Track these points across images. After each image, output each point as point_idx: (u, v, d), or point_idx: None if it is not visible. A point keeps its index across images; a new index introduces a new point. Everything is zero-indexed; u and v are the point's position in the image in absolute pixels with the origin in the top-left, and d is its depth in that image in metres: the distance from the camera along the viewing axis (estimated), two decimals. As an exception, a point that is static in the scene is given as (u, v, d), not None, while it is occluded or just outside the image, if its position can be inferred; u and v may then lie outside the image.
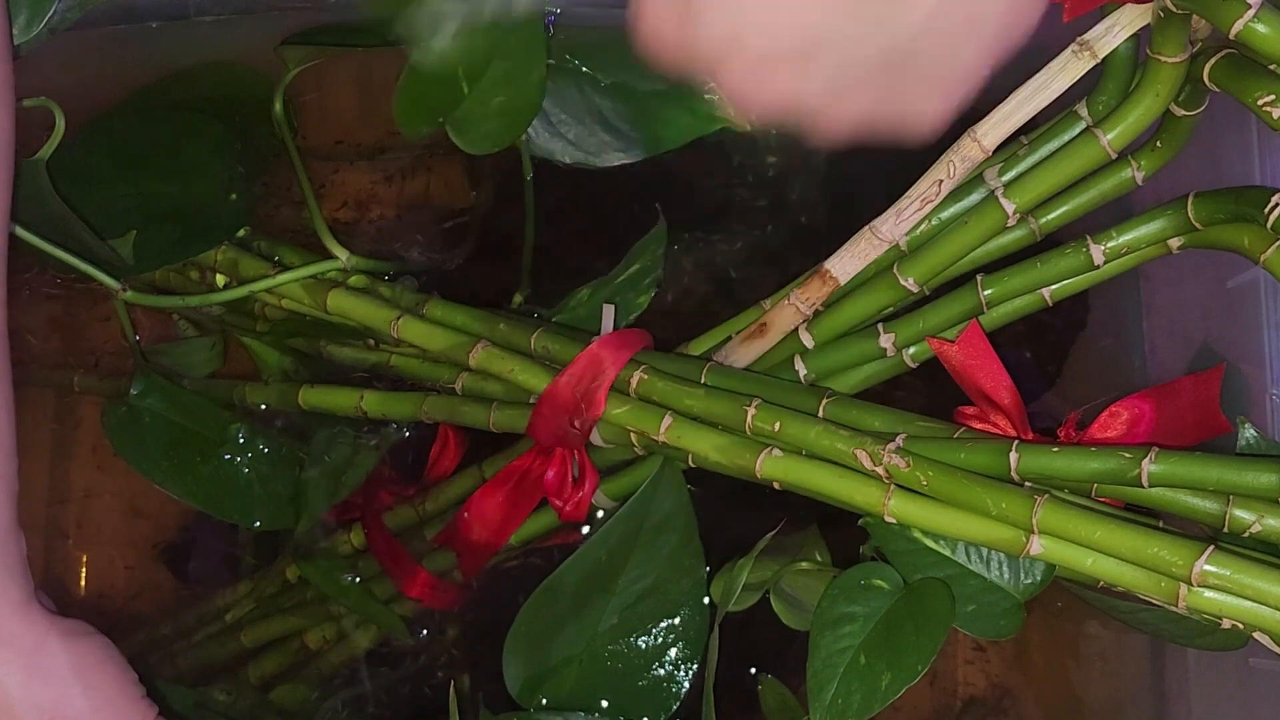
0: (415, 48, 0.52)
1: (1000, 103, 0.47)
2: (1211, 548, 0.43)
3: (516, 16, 0.54)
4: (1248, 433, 0.50)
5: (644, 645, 0.55)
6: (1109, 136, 0.48)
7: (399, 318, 0.57)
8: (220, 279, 0.61)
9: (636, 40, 0.36)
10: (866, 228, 0.51)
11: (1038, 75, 0.46)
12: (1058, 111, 0.50)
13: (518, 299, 0.61)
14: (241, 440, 0.60)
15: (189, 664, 0.62)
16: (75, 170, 0.57)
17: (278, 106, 0.59)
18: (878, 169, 0.62)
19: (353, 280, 0.60)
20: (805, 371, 0.54)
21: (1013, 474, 0.47)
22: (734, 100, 0.36)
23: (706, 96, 0.58)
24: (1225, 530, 0.45)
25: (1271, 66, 0.43)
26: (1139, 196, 0.52)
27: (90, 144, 0.59)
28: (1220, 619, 0.44)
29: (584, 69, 0.59)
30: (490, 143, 0.58)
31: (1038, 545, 0.46)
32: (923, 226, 0.51)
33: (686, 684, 0.54)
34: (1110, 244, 0.50)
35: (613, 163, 0.59)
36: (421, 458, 0.62)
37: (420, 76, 0.53)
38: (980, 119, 0.48)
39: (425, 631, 0.62)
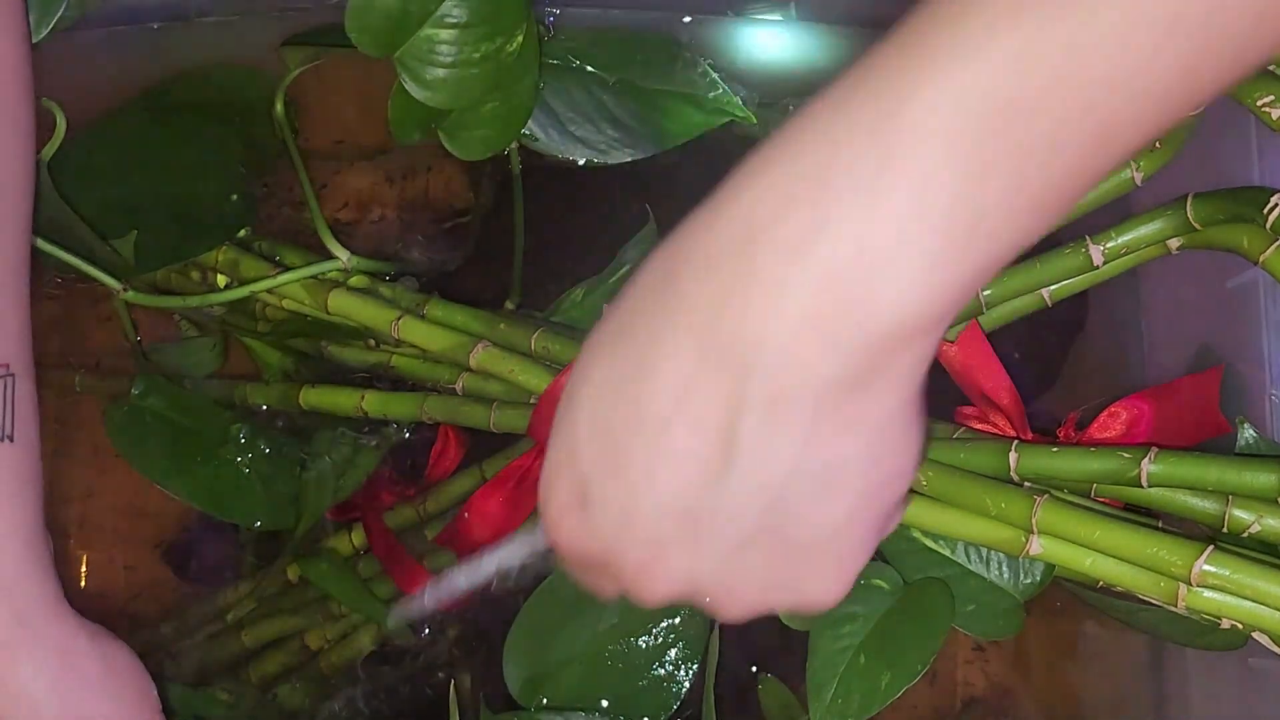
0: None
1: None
2: (1211, 548, 0.43)
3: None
4: (1246, 433, 0.50)
5: (644, 645, 0.55)
6: (1108, 137, 0.48)
7: (399, 318, 0.57)
8: (221, 279, 0.61)
9: (546, 533, 0.38)
10: (866, 228, 0.51)
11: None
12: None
13: (509, 305, 0.61)
14: (242, 440, 0.60)
15: (190, 664, 0.62)
16: (76, 171, 0.57)
17: (279, 107, 0.59)
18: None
19: (353, 280, 0.60)
20: (805, 372, 0.54)
21: (1012, 474, 0.47)
22: (633, 585, 0.37)
23: (712, 95, 0.58)
24: (1224, 530, 0.45)
25: (1271, 67, 0.43)
26: (1138, 197, 0.52)
27: (91, 144, 0.59)
28: (1219, 619, 0.44)
29: (589, 68, 0.59)
30: (484, 148, 0.58)
31: (1037, 545, 0.46)
32: (922, 227, 0.51)
33: (687, 684, 0.54)
34: (1109, 244, 0.50)
35: (622, 159, 0.59)
36: (422, 458, 0.62)
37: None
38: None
39: (426, 631, 0.62)
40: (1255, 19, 0.27)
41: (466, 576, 0.45)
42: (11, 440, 0.44)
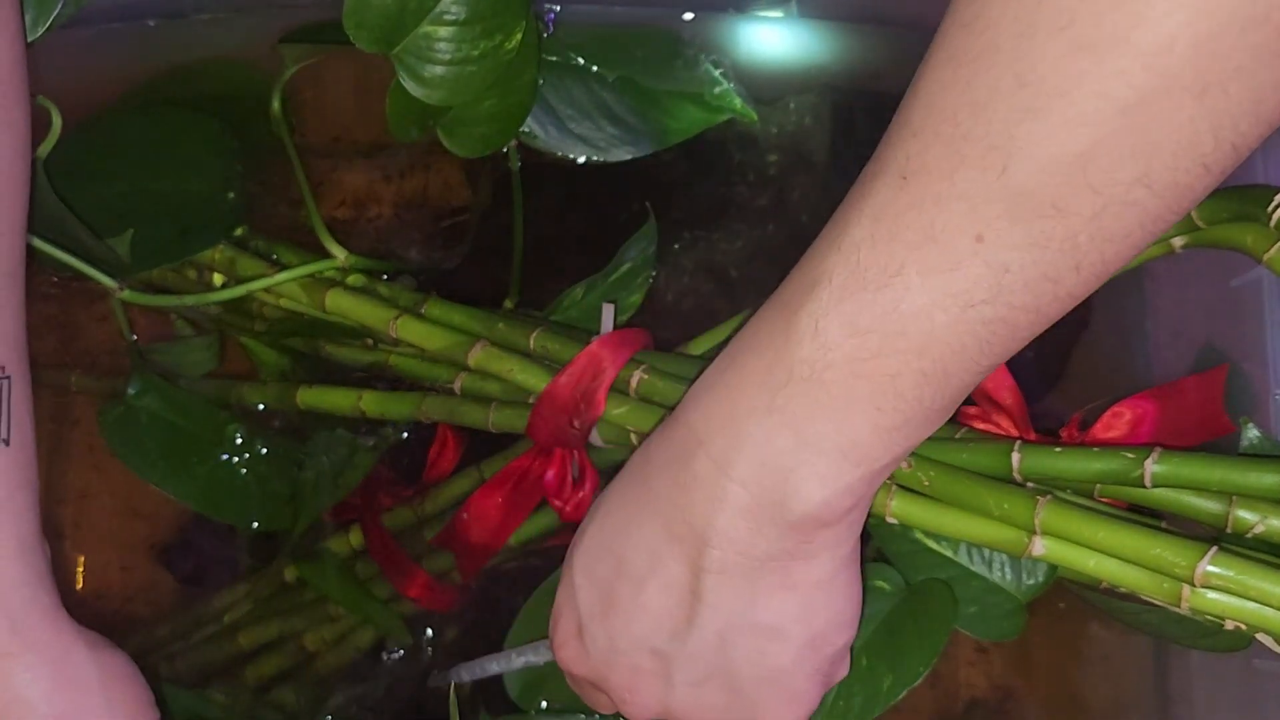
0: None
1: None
2: (1214, 549, 0.42)
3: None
4: (1251, 433, 0.49)
5: (644, 647, 0.54)
6: (1112, 135, 0.48)
7: (397, 317, 0.57)
8: (218, 278, 0.61)
9: (556, 657, 0.46)
10: (868, 227, 0.51)
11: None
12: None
13: (508, 304, 0.61)
14: (239, 441, 0.60)
15: (186, 665, 0.61)
16: (72, 169, 0.57)
17: (276, 104, 0.59)
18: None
19: (351, 279, 0.60)
20: (806, 371, 0.54)
21: (1015, 474, 0.47)
22: (619, 705, 0.44)
23: (713, 91, 0.58)
24: (1228, 531, 0.45)
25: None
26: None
27: (87, 142, 0.59)
28: (1223, 620, 0.43)
29: (589, 65, 0.59)
30: (483, 145, 0.58)
31: (1040, 546, 0.46)
32: (924, 225, 0.51)
33: (686, 685, 0.54)
34: (1113, 243, 0.50)
35: (622, 157, 0.59)
36: (420, 458, 0.62)
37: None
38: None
39: (425, 632, 0.62)
40: (1035, 320, 0.35)
41: (498, 664, 0.54)
42: (7, 444, 0.43)
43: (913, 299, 0.34)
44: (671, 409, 0.51)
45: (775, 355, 0.37)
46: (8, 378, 0.44)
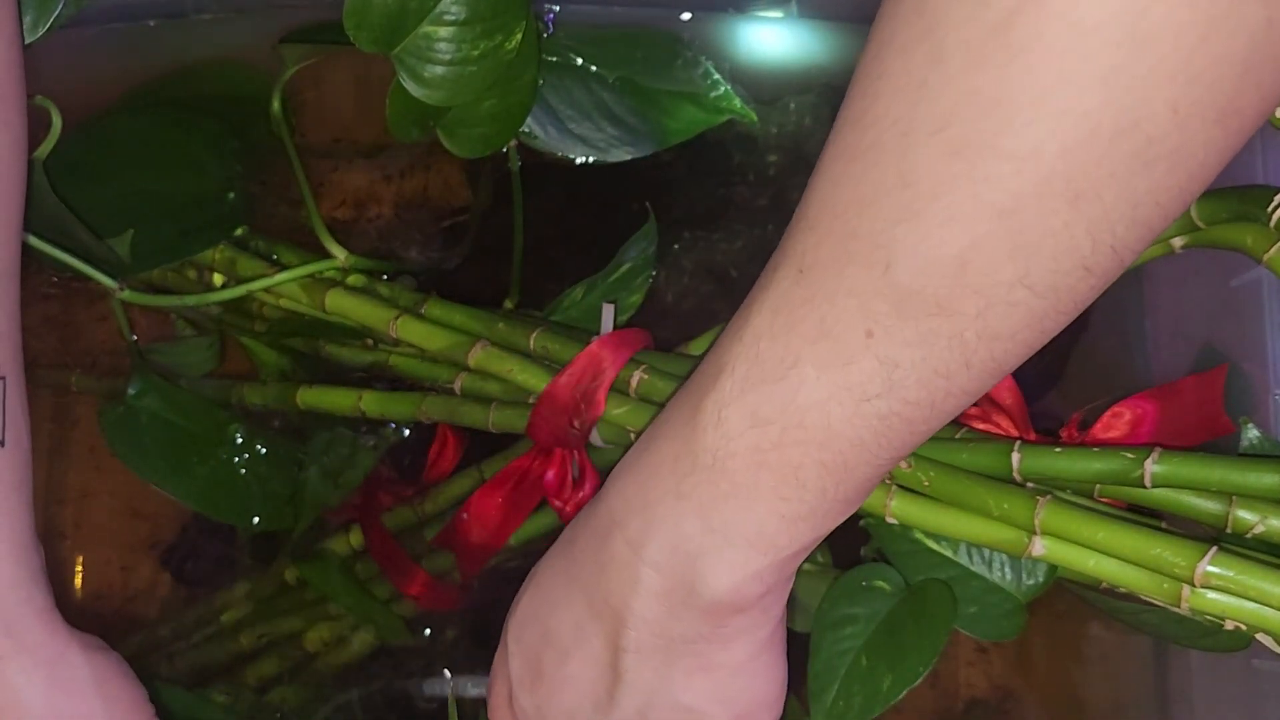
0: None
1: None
2: (1214, 549, 0.42)
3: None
4: (1251, 433, 0.49)
5: (644, 646, 0.54)
6: (1112, 135, 0.48)
7: (397, 317, 0.57)
8: (218, 278, 0.61)
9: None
10: (868, 227, 0.51)
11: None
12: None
13: (508, 304, 0.61)
14: (239, 441, 0.60)
15: (187, 665, 0.61)
16: (72, 169, 0.57)
17: (276, 104, 0.59)
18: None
19: (351, 279, 0.60)
20: (806, 371, 0.54)
21: (1015, 475, 0.47)
22: None
23: (712, 92, 0.58)
24: (1228, 531, 0.45)
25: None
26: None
27: (87, 142, 0.59)
28: (1223, 620, 0.43)
29: (589, 66, 0.59)
30: (483, 145, 0.58)
31: (1040, 546, 0.46)
32: (924, 226, 0.51)
33: (686, 685, 0.54)
34: (1113, 243, 0.50)
35: (622, 158, 0.59)
36: (420, 458, 0.62)
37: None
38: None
39: (425, 632, 0.62)
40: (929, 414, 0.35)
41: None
42: (2, 444, 0.43)
43: (809, 392, 0.34)
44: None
45: (683, 442, 0.37)
46: (2, 378, 0.44)
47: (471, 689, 0.60)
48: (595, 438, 0.54)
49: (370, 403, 0.59)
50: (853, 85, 0.34)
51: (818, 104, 0.64)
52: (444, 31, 0.52)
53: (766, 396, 0.35)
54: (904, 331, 0.33)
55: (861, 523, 0.50)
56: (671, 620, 0.39)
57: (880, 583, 0.50)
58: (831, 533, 0.39)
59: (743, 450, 0.36)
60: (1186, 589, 0.43)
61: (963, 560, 0.50)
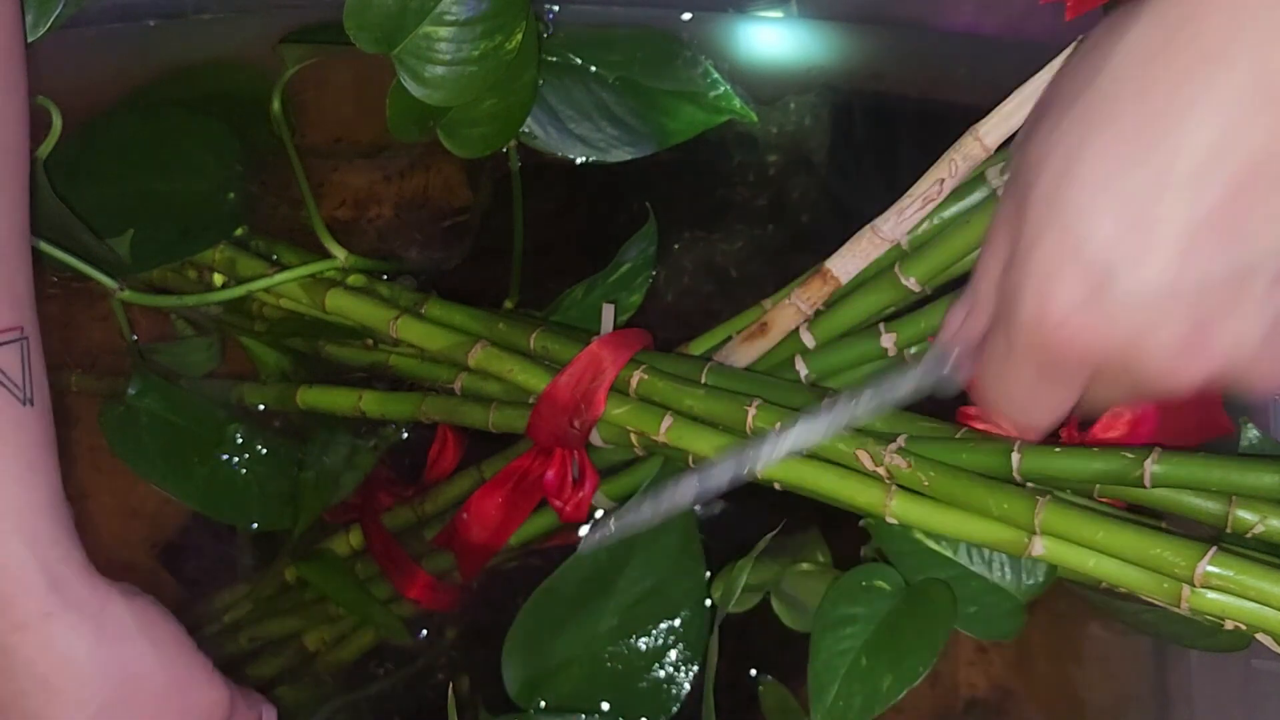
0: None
1: (1002, 101, 0.47)
2: (1214, 549, 0.42)
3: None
4: (1250, 433, 0.49)
5: (644, 647, 0.54)
6: (1112, 135, 0.48)
7: (397, 317, 0.57)
8: (218, 278, 0.61)
9: (1039, 341, 0.35)
10: (868, 227, 0.51)
11: (1040, 74, 0.46)
12: (1060, 110, 0.49)
13: (508, 304, 0.61)
14: (239, 441, 0.60)
15: (187, 665, 0.61)
16: (72, 169, 0.57)
17: (276, 105, 0.59)
18: (879, 168, 0.62)
19: (351, 279, 0.60)
20: (806, 371, 0.54)
21: (1015, 475, 0.47)
22: (1166, 370, 0.34)
23: (712, 92, 0.58)
24: (1228, 531, 0.45)
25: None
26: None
27: (87, 143, 0.59)
28: (1223, 620, 0.43)
29: (589, 66, 0.59)
30: (483, 145, 0.58)
31: (1040, 546, 0.46)
32: (924, 225, 0.51)
33: (687, 686, 0.54)
34: (1113, 243, 0.50)
35: (622, 158, 0.59)
36: (420, 458, 0.62)
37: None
38: (982, 117, 0.47)
39: (424, 633, 0.62)
40: None
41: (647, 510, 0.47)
42: (32, 404, 0.44)
43: None
44: (671, 409, 0.51)
45: None
46: (26, 338, 0.44)
47: (471, 689, 0.60)
48: (595, 438, 0.54)
49: (370, 403, 0.59)
50: None
51: (818, 104, 0.64)
52: (444, 31, 0.52)
53: None
54: None
55: (861, 523, 0.50)
56: None
57: (880, 583, 0.50)
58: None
59: None
60: (1186, 589, 0.43)
61: (963, 560, 0.50)
